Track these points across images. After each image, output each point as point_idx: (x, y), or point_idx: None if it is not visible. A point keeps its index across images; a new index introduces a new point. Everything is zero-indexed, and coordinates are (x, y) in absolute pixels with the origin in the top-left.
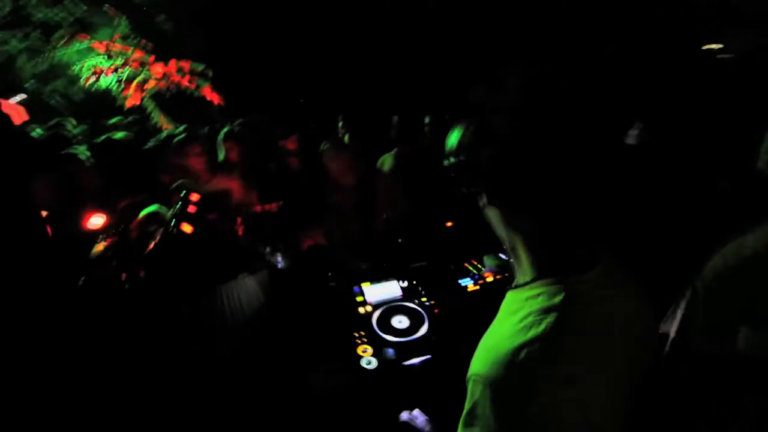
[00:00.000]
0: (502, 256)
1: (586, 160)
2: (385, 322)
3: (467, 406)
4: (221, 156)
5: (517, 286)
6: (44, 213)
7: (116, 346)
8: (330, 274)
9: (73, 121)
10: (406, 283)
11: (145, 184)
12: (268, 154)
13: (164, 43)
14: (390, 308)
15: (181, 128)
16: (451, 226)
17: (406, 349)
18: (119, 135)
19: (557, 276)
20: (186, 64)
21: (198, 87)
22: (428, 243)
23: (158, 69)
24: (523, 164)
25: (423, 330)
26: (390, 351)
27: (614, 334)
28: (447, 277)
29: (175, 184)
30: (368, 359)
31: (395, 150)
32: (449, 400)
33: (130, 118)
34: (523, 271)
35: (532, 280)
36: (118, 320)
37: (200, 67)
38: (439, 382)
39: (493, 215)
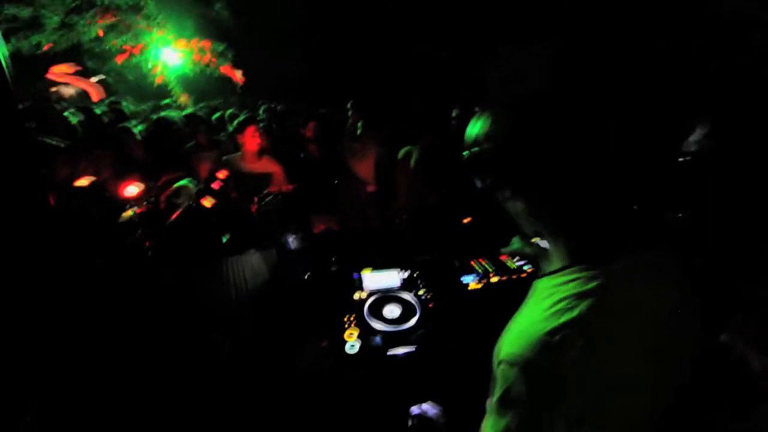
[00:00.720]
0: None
1: (621, 147)
2: (376, 310)
3: (499, 390)
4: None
5: (546, 274)
6: (89, 181)
7: (127, 307)
8: (334, 258)
9: (128, 101)
10: (406, 274)
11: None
12: (289, 140)
13: (186, 23)
14: (384, 297)
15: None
16: (468, 222)
17: (393, 339)
18: (172, 114)
19: (591, 263)
20: (207, 44)
21: (218, 66)
22: (439, 237)
23: (181, 48)
24: (551, 152)
25: (412, 322)
26: (377, 339)
27: (649, 325)
28: (450, 272)
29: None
30: (352, 343)
31: (420, 142)
32: (428, 392)
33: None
34: (553, 260)
35: (564, 267)
36: (136, 283)
37: (221, 47)
38: (420, 375)
39: (518, 207)
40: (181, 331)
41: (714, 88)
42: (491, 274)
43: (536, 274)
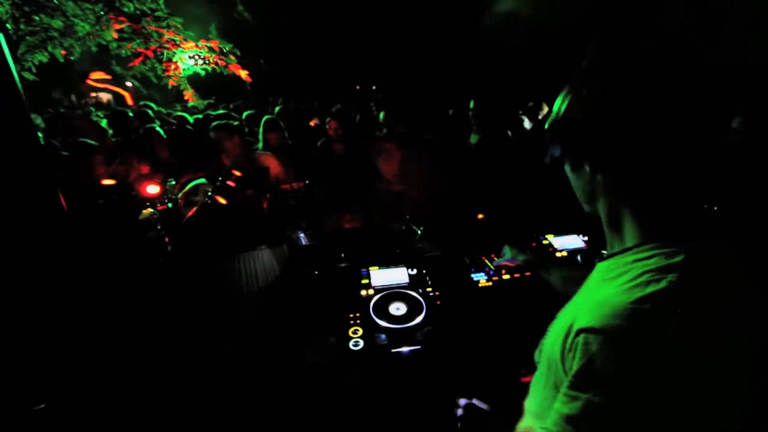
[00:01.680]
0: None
1: (707, 122)
2: (382, 308)
3: (577, 366)
4: (261, 144)
5: (614, 254)
6: (115, 180)
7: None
8: (343, 254)
9: (154, 105)
10: (414, 271)
11: (207, 162)
12: (306, 138)
13: (194, 25)
14: (390, 294)
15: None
16: (482, 219)
17: (398, 337)
18: (191, 119)
19: (669, 241)
20: (215, 44)
21: (227, 65)
22: (450, 232)
23: (189, 48)
24: (636, 126)
25: (418, 320)
26: (382, 336)
27: (729, 310)
28: (460, 269)
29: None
30: (356, 341)
31: (425, 139)
32: (434, 391)
33: (206, 102)
34: (622, 240)
35: (640, 244)
36: (152, 276)
37: (228, 47)
38: (426, 373)
39: (593, 183)
40: (190, 322)
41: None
42: (503, 272)
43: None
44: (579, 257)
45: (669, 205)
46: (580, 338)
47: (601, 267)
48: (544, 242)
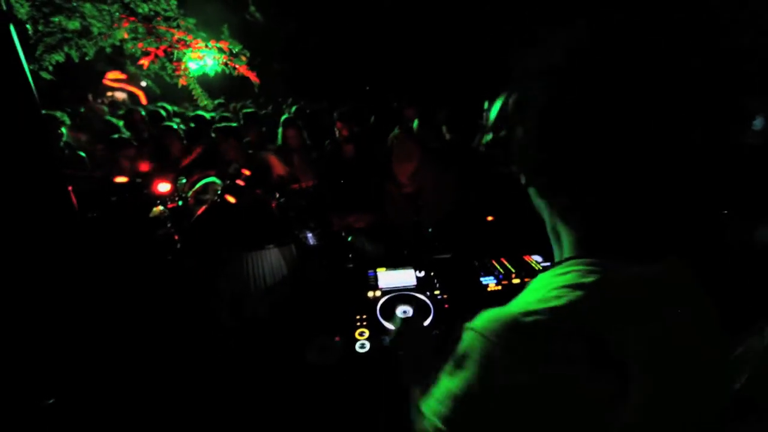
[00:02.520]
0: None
1: (647, 136)
2: (389, 310)
3: (456, 353)
4: (279, 140)
5: (547, 268)
6: (125, 179)
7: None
8: (351, 255)
9: (168, 106)
10: (422, 273)
11: (219, 161)
12: (321, 138)
13: (206, 26)
14: (398, 296)
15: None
16: (492, 221)
17: None
18: (208, 115)
19: (596, 258)
20: (225, 44)
21: (236, 66)
22: (460, 235)
23: (199, 48)
24: (563, 137)
25: (425, 323)
26: (387, 339)
27: (659, 338)
28: (469, 272)
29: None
30: (362, 343)
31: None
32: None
33: (216, 101)
34: (561, 252)
35: (566, 260)
36: (161, 273)
37: (237, 48)
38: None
39: (532, 193)
40: (195, 320)
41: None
42: (512, 276)
43: None
44: None
45: (608, 222)
46: (465, 332)
47: (537, 278)
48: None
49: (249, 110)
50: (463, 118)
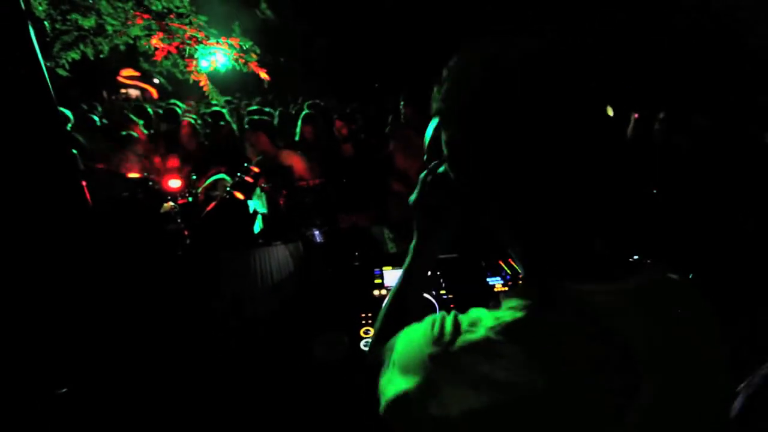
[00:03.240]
0: None
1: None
2: None
3: (389, 357)
4: (297, 136)
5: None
6: (138, 174)
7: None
8: (357, 253)
9: (180, 103)
10: (428, 273)
11: (234, 158)
12: (332, 135)
13: (218, 23)
14: None
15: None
16: None
17: None
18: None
19: (541, 278)
20: (235, 41)
21: (246, 63)
22: (466, 234)
23: (210, 45)
24: (481, 143)
25: None
26: None
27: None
28: (476, 272)
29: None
30: (367, 341)
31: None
32: None
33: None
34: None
35: (514, 284)
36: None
37: (248, 44)
38: None
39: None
40: (202, 315)
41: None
42: (520, 276)
43: None
44: None
45: (546, 237)
46: (391, 344)
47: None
48: None
49: (253, 107)
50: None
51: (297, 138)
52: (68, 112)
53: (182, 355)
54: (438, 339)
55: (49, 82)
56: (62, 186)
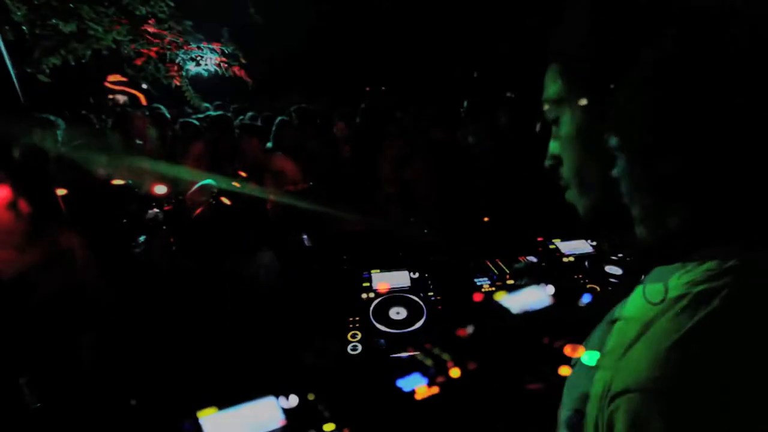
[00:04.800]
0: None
1: None
2: (382, 312)
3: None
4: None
5: (654, 274)
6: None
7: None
8: (345, 257)
9: (164, 108)
10: (417, 275)
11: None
12: (317, 139)
13: (196, 27)
14: (391, 298)
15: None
16: (487, 222)
17: (397, 341)
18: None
19: (723, 247)
20: (217, 46)
21: (229, 67)
22: (455, 236)
23: (192, 50)
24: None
25: (419, 325)
26: (381, 341)
27: None
28: (464, 274)
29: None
30: (355, 345)
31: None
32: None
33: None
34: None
35: (688, 256)
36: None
37: (230, 48)
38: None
39: (620, 160)
40: (190, 322)
41: None
42: (507, 277)
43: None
44: (586, 263)
45: (724, 199)
46: (617, 404)
47: (644, 291)
48: (551, 247)
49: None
50: (450, 115)
51: (270, 144)
52: (61, 122)
53: (171, 360)
54: None
55: (17, 84)
56: (33, 192)
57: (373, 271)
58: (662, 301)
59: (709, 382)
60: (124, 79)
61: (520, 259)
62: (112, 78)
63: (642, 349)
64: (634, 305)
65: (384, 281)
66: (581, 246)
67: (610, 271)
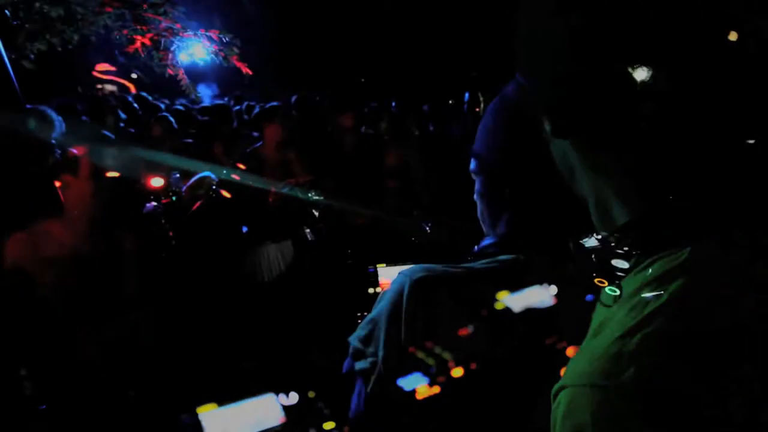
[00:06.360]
0: None
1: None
2: None
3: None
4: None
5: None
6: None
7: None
8: (350, 251)
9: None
10: None
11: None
12: (317, 131)
13: (193, 13)
14: None
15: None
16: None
17: None
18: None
19: (677, 239)
20: (214, 33)
21: (226, 57)
22: (456, 229)
23: (188, 37)
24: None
25: None
26: None
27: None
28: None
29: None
30: None
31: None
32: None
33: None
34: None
35: (641, 257)
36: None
37: (228, 37)
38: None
39: (571, 155)
40: (192, 317)
41: None
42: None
43: None
44: (593, 257)
45: (669, 190)
46: (561, 396)
47: (601, 294)
48: None
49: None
50: (444, 111)
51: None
52: (57, 119)
53: (172, 357)
54: None
55: (12, 74)
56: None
57: (378, 265)
58: (615, 302)
59: (636, 375)
60: (112, 68)
61: None
62: (100, 67)
63: (587, 349)
64: (597, 309)
65: (390, 276)
66: (587, 240)
67: (617, 265)
